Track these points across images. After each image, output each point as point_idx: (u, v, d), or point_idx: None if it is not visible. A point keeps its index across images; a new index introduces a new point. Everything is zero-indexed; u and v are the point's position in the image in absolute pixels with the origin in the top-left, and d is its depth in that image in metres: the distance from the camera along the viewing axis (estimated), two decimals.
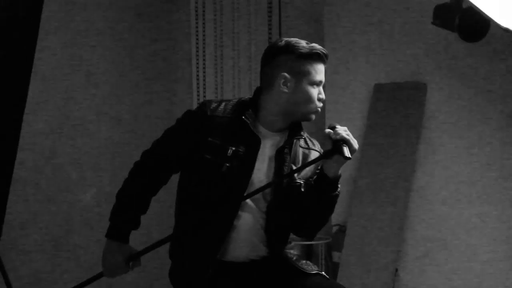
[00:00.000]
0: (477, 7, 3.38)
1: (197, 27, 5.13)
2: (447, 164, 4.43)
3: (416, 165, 4.48)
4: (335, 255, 4.62)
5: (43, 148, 4.22)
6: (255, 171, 2.49)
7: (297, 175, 2.54)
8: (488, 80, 4.30)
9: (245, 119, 2.49)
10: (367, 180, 4.52)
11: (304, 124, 2.60)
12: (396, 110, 4.55)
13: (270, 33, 5.00)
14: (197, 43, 5.15)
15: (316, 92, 2.50)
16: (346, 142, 2.37)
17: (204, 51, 5.14)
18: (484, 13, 3.36)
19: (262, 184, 2.46)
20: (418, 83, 4.50)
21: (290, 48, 2.47)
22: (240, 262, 2.52)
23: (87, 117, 4.46)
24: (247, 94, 4.55)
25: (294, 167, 2.53)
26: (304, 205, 2.52)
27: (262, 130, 2.52)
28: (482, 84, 4.32)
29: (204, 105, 2.55)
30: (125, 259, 2.52)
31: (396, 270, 4.43)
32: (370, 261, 4.37)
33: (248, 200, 2.48)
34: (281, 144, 2.53)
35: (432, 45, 4.45)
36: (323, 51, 2.50)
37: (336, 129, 2.39)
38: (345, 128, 2.40)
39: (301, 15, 5.01)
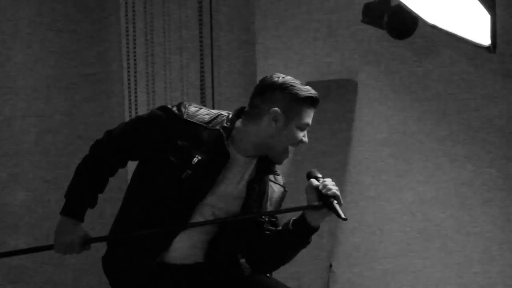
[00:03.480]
0: (405, 5, 3.44)
1: (127, 32, 5.07)
2: (378, 161, 4.50)
3: (347, 163, 4.53)
4: None
5: None
6: (218, 185, 2.46)
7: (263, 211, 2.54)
8: (416, 77, 4.39)
9: (219, 128, 2.46)
10: (298, 179, 4.54)
11: None
12: (328, 107, 4.59)
13: (201, 36, 4.97)
14: (127, 47, 5.09)
15: (300, 135, 2.50)
16: (337, 199, 2.39)
17: (135, 53, 5.08)
18: (412, 10, 3.43)
19: (222, 199, 2.46)
20: (349, 80, 4.56)
21: (288, 88, 2.47)
22: (179, 264, 2.49)
23: (13, 117, 4.36)
24: (179, 100, 4.53)
25: (267, 205, 2.54)
26: (265, 243, 2.54)
27: (231, 150, 2.49)
28: (411, 81, 4.41)
29: (183, 107, 2.50)
30: (80, 240, 2.47)
31: (331, 265, 4.47)
32: (304, 257, 4.39)
33: (206, 207, 2.46)
34: (249, 171, 2.52)
35: (362, 43, 4.52)
36: (317, 95, 2.52)
37: (325, 182, 2.42)
38: (331, 181, 2.44)
39: (232, 18, 5.01)
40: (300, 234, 2.49)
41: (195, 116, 2.48)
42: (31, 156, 4.46)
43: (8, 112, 4.35)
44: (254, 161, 2.54)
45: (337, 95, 4.58)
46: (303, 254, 4.32)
